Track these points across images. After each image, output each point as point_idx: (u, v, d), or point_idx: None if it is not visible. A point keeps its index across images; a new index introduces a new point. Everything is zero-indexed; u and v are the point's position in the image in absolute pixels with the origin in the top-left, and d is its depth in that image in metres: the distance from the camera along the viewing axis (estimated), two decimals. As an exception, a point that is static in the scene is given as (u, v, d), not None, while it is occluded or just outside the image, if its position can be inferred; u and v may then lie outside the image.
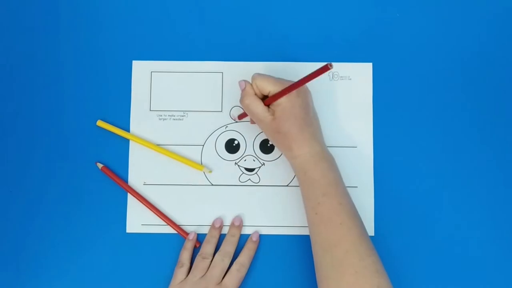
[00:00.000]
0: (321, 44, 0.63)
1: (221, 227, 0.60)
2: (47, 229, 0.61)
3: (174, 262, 0.59)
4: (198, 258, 0.58)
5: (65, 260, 0.60)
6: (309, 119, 0.55)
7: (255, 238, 0.59)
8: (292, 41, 0.63)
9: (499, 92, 0.62)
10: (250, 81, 0.56)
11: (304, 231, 0.60)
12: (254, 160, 0.61)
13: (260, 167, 0.61)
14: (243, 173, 0.61)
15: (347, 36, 0.63)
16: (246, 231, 0.60)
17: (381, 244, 0.59)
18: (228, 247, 0.58)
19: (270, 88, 0.54)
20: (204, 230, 0.60)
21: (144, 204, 0.60)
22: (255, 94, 0.55)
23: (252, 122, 0.59)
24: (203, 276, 0.57)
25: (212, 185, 0.61)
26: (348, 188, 0.60)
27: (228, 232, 0.60)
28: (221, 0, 0.64)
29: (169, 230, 0.60)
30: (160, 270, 0.60)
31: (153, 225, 0.60)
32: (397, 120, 0.62)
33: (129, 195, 0.61)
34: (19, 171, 0.61)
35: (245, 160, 0.61)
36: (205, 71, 0.62)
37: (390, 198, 0.61)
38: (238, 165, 0.61)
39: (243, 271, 0.57)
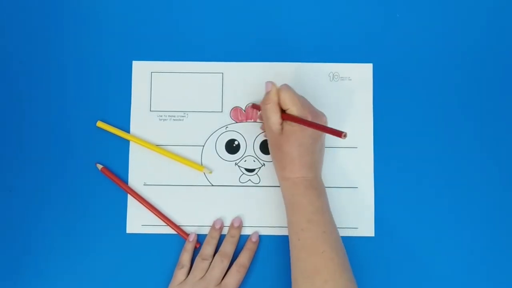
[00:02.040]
0: (321, 45, 0.63)
1: (221, 228, 0.60)
2: (47, 229, 0.61)
3: (174, 263, 0.60)
4: (198, 259, 0.59)
5: (65, 261, 0.61)
6: (313, 149, 0.55)
7: (254, 238, 0.59)
8: (292, 41, 0.63)
9: (500, 93, 0.63)
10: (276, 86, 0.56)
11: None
12: (254, 161, 0.62)
13: (260, 167, 0.62)
14: (243, 173, 0.62)
15: (347, 36, 0.63)
16: (246, 231, 0.61)
17: (381, 245, 0.60)
18: (228, 247, 0.59)
19: (291, 108, 0.54)
20: (204, 231, 0.61)
21: (144, 205, 0.60)
22: (277, 101, 0.55)
23: (263, 128, 0.60)
24: (202, 277, 0.57)
25: (212, 185, 0.61)
26: (348, 189, 0.61)
27: (227, 233, 0.60)
28: (222, 1, 0.64)
29: (169, 230, 0.61)
30: (160, 270, 0.60)
31: (154, 226, 0.61)
32: (397, 121, 0.62)
33: (129, 196, 0.61)
34: (19, 172, 0.62)
35: (245, 161, 0.62)
36: (205, 71, 0.63)
37: (390, 199, 0.61)
38: (238, 166, 0.62)
39: (243, 272, 0.58)
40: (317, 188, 0.55)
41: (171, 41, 0.63)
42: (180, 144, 0.62)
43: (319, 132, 0.55)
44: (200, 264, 0.58)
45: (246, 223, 0.61)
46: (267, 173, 0.61)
